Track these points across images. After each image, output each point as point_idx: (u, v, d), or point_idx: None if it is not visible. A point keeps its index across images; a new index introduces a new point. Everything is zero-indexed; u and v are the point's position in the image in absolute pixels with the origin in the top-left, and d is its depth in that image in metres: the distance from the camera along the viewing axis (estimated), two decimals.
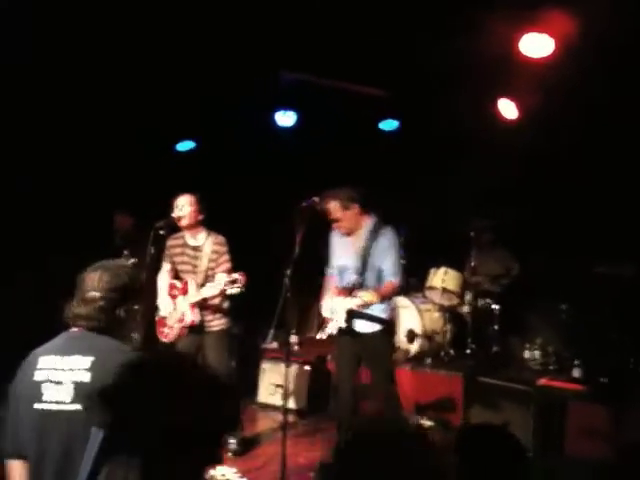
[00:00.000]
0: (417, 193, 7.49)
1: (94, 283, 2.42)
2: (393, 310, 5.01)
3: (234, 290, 4.79)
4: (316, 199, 4.66)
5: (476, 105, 6.65)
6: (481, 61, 5.68)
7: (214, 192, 5.95)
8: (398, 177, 7.62)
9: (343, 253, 4.97)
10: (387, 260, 4.78)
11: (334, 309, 4.81)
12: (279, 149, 7.55)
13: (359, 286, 4.75)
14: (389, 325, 4.91)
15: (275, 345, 6.95)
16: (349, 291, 4.76)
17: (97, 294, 2.40)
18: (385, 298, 4.79)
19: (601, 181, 6.47)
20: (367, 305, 4.65)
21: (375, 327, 4.80)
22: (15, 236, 5.81)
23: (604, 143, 6.16)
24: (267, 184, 7.40)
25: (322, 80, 6.98)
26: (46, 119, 5.95)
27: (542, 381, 5.40)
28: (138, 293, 2.52)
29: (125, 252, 5.83)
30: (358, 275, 4.78)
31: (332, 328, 4.80)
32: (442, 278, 7.00)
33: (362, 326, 4.81)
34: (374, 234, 4.82)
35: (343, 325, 4.73)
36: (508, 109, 6.51)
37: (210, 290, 4.93)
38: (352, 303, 4.66)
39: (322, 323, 5.00)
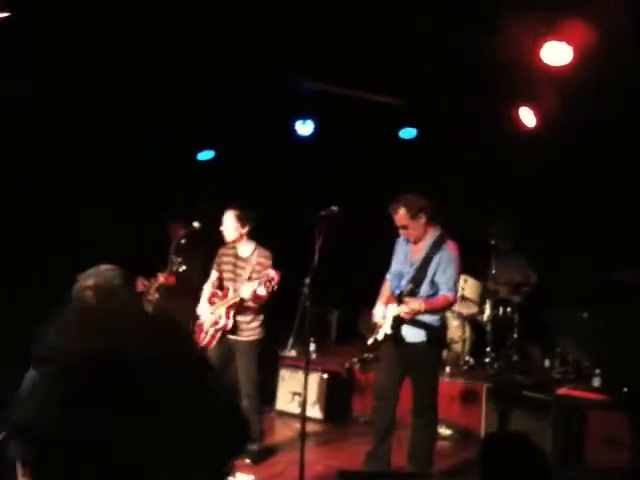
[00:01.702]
0: (436, 201, 7.48)
1: (81, 284, 2.50)
2: (443, 323, 4.92)
3: (266, 289, 4.89)
4: (335, 208, 4.65)
5: (495, 112, 6.65)
6: (501, 69, 5.68)
7: (235, 200, 6.03)
8: (417, 185, 7.62)
9: (403, 260, 4.93)
10: (445, 274, 4.70)
11: (384, 315, 4.79)
12: (298, 158, 7.59)
13: (411, 294, 4.69)
14: (437, 335, 4.81)
15: (294, 353, 6.97)
16: (400, 298, 4.71)
17: (79, 295, 2.47)
18: (434, 310, 4.70)
19: (621, 188, 6.43)
20: (415, 314, 4.58)
21: (423, 337, 4.72)
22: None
23: (622, 151, 6.13)
24: (286, 193, 7.45)
25: (341, 89, 7.02)
26: (72, 126, 6.04)
27: (562, 390, 5.36)
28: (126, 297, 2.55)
29: (176, 259, 5.83)
30: (413, 284, 4.73)
31: (380, 334, 4.79)
32: (461, 286, 6.98)
33: (410, 335, 4.73)
34: (436, 246, 4.76)
35: (389, 332, 4.69)
36: (527, 117, 6.50)
37: (245, 289, 5.03)
38: (400, 310, 4.61)
39: (373, 328, 4.95)
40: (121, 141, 6.38)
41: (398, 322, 4.66)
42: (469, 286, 6.96)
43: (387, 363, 4.90)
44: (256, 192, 7.30)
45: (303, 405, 4.58)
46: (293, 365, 6.72)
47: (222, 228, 5.27)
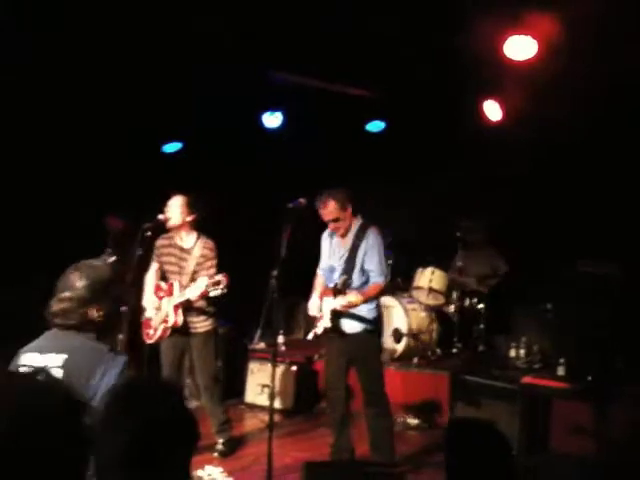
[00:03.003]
0: (404, 194, 7.54)
1: (67, 283, 2.46)
2: (379, 310, 5.00)
3: (217, 292, 4.81)
4: (302, 200, 4.67)
5: (461, 106, 6.70)
6: (466, 63, 5.73)
7: (201, 193, 5.98)
8: (385, 178, 7.67)
9: (332, 254, 5.00)
10: (373, 261, 4.81)
11: (321, 309, 4.84)
12: (266, 150, 7.57)
13: (346, 286, 4.77)
14: (374, 325, 4.91)
15: (263, 345, 6.97)
16: (335, 291, 4.78)
17: (68, 294, 2.43)
18: (370, 299, 4.81)
19: (585, 180, 6.53)
20: (352, 306, 4.69)
21: (361, 327, 4.82)
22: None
23: (588, 144, 6.22)
24: (254, 185, 7.42)
25: (309, 81, 7.01)
26: (33, 120, 5.94)
27: (527, 379, 5.44)
28: (112, 292, 2.52)
29: (108, 250, 5.81)
30: (345, 275, 4.81)
31: (319, 328, 4.84)
32: (429, 278, 7.06)
33: (349, 326, 4.82)
34: (361, 234, 4.85)
35: (328, 325, 4.75)
36: (493, 110, 6.57)
37: (193, 292, 4.96)
38: (336, 303, 4.70)
39: (311, 323, 5.03)
40: (84, 133, 6.27)
41: (336, 315, 4.74)
42: (437, 278, 7.03)
43: (331, 355, 4.99)
44: (223, 184, 7.29)
45: (271, 397, 4.58)
46: (262, 357, 6.72)
47: (165, 214, 5.09)
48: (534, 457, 4.88)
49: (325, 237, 5.08)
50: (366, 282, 4.83)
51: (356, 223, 4.91)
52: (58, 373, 2.32)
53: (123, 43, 5.57)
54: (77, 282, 2.45)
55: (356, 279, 4.81)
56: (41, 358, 2.38)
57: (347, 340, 4.82)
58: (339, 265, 4.91)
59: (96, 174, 6.50)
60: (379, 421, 4.87)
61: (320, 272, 5.13)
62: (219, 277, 4.80)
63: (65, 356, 2.36)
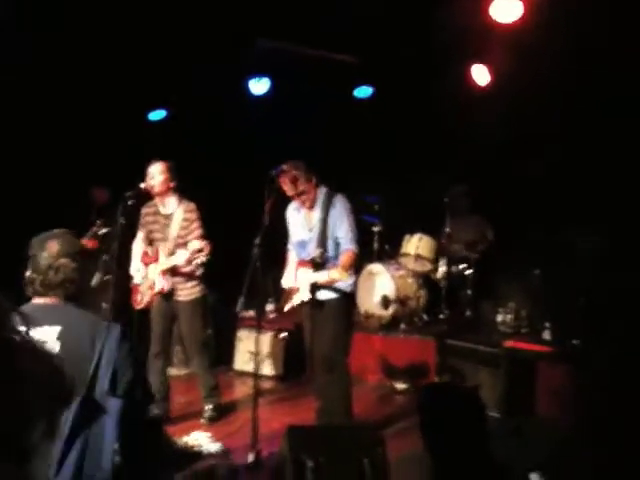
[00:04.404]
0: (392, 161, 7.52)
1: (57, 250, 2.41)
2: (355, 280, 4.99)
3: (200, 259, 4.81)
4: (285, 167, 4.64)
5: (449, 71, 6.65)
6: (453, 26, 5.67)
7: (187, 161, 5.95)
8: (373, 145, 7.64)
9: (300, 228, 4.94)
10: (342, 228, 4.74)
11: (299, 282, 4.80)
12: (252, 117, 7.51)
13: (323, 259, 4.72)
14: (348, 293, 4.86)
15: (252, 313, 6.99)
16: (312, 263, 4.73)
17: (64, 260, 2.41)
18: (350, 269, 4.72)
19: (575, 147, 6.50)
20: (335, 282, 4.61)
21: (334, 294, 4.77)
22: None
23: (575, 107, 6.18)
24: (240, 152, 7.38)
25: (296, 47, 6.94)
26: (18, 92, 5.88)
27: (509, 343, 5.49)
28: (86, 257, 2.52)
29: (98, 221, 5.84)
30: (318, 247, 4.74)
31: (296, 300, 4.82)
32: (416, 245, 7.07)
33: (324, 295, 4.77)
34: (327, 204, 4.78)
35: (307, 297, 4.72)
36: (481, 75, 6.52)
37: (178, 258, 4.97)
38: (317, 278, 4.64)
39: (286, 295, 4.98)
40: (66, 101, 6.21)
41: (315, 288, 4.69)
42: (423, 244, 7.04)
43: (309, 324, 4.95)
44: (210, 151, 7.26)
45: (256, 363, 4.62)
46: (250, 325, 6.75)
47: (148, 182, 5.07)
48: (515, 420, 4.94)
49: (291, 211, 5.01)
50: (338, 250, 4.77)
51: (321, 193, 4.84)
52: (56, 346, 2.29)
53: (110, 10, 5.50)
54: (63, 251, 2.42)
55: (331, 249, 4.77)
56: (34, 332, 2.36)
57: (320, 307, 4.79)
58: (310, 239, 4.84)
59: (80, 144, 6.45)
60: (331, 389, 4.80)
61: (290, 247, 5.08)
62: (202, 244, 4.80)
63: (60, 328, 2.32)
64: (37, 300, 2.42)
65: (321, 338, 4.80)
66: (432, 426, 2.37)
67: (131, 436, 2.23)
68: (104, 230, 5.42)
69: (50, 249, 2.43)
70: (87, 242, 5.94)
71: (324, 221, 4.75)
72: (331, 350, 4.75)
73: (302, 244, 4.92)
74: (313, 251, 4.78)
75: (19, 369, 1.17)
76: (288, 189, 4.73)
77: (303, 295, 4.74)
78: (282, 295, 5.06)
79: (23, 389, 1.18)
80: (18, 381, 1.17)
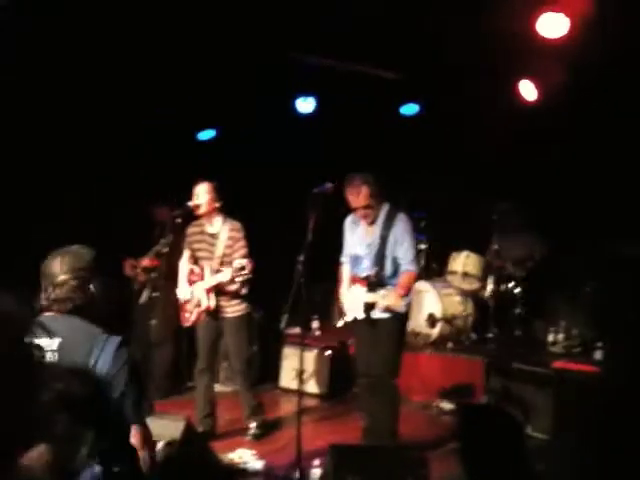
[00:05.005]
0: (439, 177, 7.46)
1: (57, 269, 2.50)
2: (410, 300, 4.94)
3: (243, 277, 4.87)
4: (329, 185, 4.64)
5: (496, 87, 6.58)
6: (500, 42, 5.63)
7: (236, 179, 6.03)
8: (420, 161, 7.60)
9: (357, 242, 4.90)
10: (402, 247, 4.68)
11: (352, 299, 4.78)
12: (299, 136, 7.57)
13: (379, 278, 4.67)
14: (404, 314, 4.82)
15: (298, 330, 7.00)
16: (368, 283, 4.68)
17: (66, 276, 2.48)
18: (408, 291, 4.69)
19: (626, 160, 6.35)
20: (389, 308, 4.56)
21: (390, 315, 4.72)
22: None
23: (623, 121, 6.05)
24: (287, 170, 7.43)
25: (341, 64, 6.97)
26: (75, 108, 6.04)
27: (559, 364, 5.36)
28: (95, 275, 2.55)
29: (161, 240, 5.93)
30: (374, 265, 4.70)
31: (349, 317, 4.81)
32: (464, 262, 6.99)
33: (377, 313, 4.72)
34: (389, 221, 4.72)
35: (361, 316, 4.69)
36: (528, 90, 6.44)
37: (222, 276, 5.05)
38: (372, 299, 4.60)
39: (340, 311, 5.01)
40: (116, 122, 6.37)
41: (369, 307, 4.65)
42: (471, 262, 6.96)
43: (361, 342, 4.93)
44: (257, 170, 7.33)
45: (299, 378, 4.64)
46: (296, 342, 6.75)
47: (193, 202, 5.16)
48: (564, 441, 4.81)
49: (348, 224, 4.97)
50: (397, 270, 4.72)
51: (384, 209, 4.78)
52: (53, 356, 2.35)
53: (163, 31, 5.63)
54: (70, 264, 2.50)
55: (388, 269, 4.73)
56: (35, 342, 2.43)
57: (373, 325, 4.76)
58: (367, 254, 4.80)
59: (132, 165, 6.59)
60: (380, 410, 4.77)
61: (344, 259, 5.05)
62: (244, 262, 4.85)
63: (59, 339, 2.38)
64: (46, 313, 2.50)
65: (373, 358, 4.76)
66: (469, 450, 2.32)
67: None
68: (166, 249, 5.54)
69: (54, 266, 2.51)
70: (150, 261, 6.09)
71: (384, 239, 4.69)
72: (383, 371, 4.72)
73: (357, 259, 4.88)
74: (368, 268, 4.73)
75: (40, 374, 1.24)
76: (353, 201, 4.68)
77: (357, 313, 4.71)
78: (337, 310, 5.07)
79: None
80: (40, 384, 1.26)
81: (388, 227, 4.71)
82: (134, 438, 2.39)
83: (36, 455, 1.32)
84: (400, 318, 4.79)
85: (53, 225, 5.64)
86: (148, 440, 2.47)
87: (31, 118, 5.77)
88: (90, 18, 5.20)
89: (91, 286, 2.51)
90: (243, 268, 4.82)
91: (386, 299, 4.48)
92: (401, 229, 4.71)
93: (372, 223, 4.79)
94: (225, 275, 5.01)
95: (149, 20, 5.46)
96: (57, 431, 1.19)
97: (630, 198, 6.18)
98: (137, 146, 6.69)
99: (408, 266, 4.68)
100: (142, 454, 2.39)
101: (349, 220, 4.97)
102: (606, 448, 3.47)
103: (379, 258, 4.70)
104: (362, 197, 4.65)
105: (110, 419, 2.16)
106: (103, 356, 2.36)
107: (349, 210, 4.88)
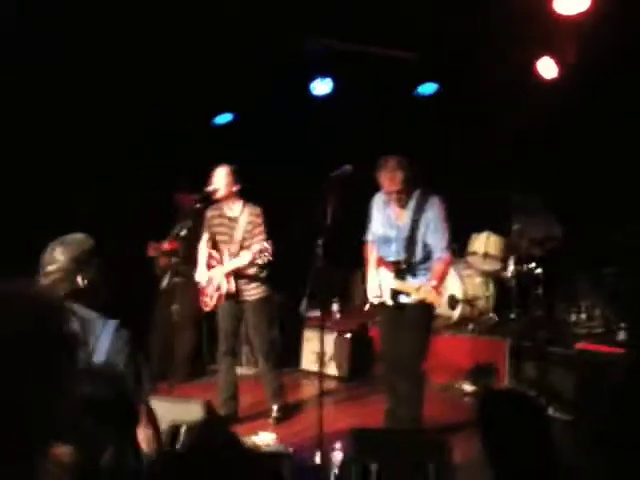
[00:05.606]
0: (459, 157, 7.38)
1: (51, 257, 2.54)
2: None
3: (262, 259, 4.87)
4: (347, 167, 4.57)
5: (515, 64, 6.49)
6: (518, 19, 5.54)
7: (252, 163, 6.00)
8: (438, 141, 7.52)
9: (386, 223, 4.76)
10: (436, 234, 4.55)
11: (379, 283, 4.71)
12: (316, 117, 7.51)
13: (408, 263, 4.60)
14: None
15: (318, 313, 7.01)
16: (395, 268, 4.61)
17: (54, 266, 2.51)
18: (443, 281, 4.59)
19: None
20: (423, 301, 4.44)
21: (419, 300, 4.59)
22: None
23: None
24: (305, 153, 7.40)
25: (357, 46, 6.90)
26: (90, 95, 6.06)
27: (581, 345, 5.32)
28: (94, 261, 2.58)
29: (179, 224, 5.97)
30: (404, 250, 4.60)
31: (375, 300, 4.77)
32: (484, 243, 6.94)
33: (407, 299, 4.65)
34: (421, 206, 4.58)
35: (389, 302, 4.64)
36: (548, 68, 6.34)
37: (241, 259, 5.07)
38: (400, 286, 4.54)
39: (366, 293, 4.93)
40: (133, 107, 6.36)
41: (396, 293, 4.59)
42: (492, 243, 6.91)
43: (386, 326, 4.88)
44: (275, 153, 7.30)
45: (320, 361, 4.65)
46: (316, 325, 6.76)
47: (212, 185, 5.16)
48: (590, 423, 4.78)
49: (378, 202, 4.81)
50: (428, 256, 4.61)
51: (416, 192, 4.63)
52: None
53: (178, 15, 5.61)
54: (60, 255, 2.52)
55: (418, 254, 4.62)
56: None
57: (401, 309, 4.69)
58: (396, 238, 4.68)
59: (146, 149, 6.61)
60: (406, 394, 4.73)
61: (370, 238, 4.93)
62: (265, 245, 4.85)
63: None
64: None
65: (401, 342, 4.69)
66: (491, 437, 2.30)
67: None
68: (185, 232, 5.56)
69: (45, 257, 2.55)
70: (170, 243, 6.12)
71: (415, 223, 4.57)
72: (410, 356, 4.67)
73: (386, 240, 4.75)
74: (397, 253, 4.64)
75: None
76: (387, 186, 4.57)
77: (383, 297, 4.66)
78: (363, 292, 5.02)
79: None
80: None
81: (420, 211, 4.57)
82: None
83: (61, 456, 1.33)
84: (428, 304, 4.69)
85: (80, 212, 5.73)
86: (151, 419, 2.48)
87: (53, 104, 5.79)
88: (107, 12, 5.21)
89: (79, 277, 2.52)
90: (263, 251, 4.82)
91: (421, 293, 4.35)
92: (435, 214, 4.56)
93: (404, 206, 4.67)
94: (243, 259, 5.02)
95: (165, 2, 5.45)
96: (82, 434, 1.19)
97: None
98: (156, 132, 6.70)
99: (441, 253, 4.55)
100: (144, 433, 2.40)
101: (378, 199, 4.81)
102: (626, 430, 3.44)
103: (409, 243, 4.59)
104: (397, 182, 4.53)
105: (131, 418, 2.17)
106: (101, 341, 2.37)
107: (368, 192, 4.82)
